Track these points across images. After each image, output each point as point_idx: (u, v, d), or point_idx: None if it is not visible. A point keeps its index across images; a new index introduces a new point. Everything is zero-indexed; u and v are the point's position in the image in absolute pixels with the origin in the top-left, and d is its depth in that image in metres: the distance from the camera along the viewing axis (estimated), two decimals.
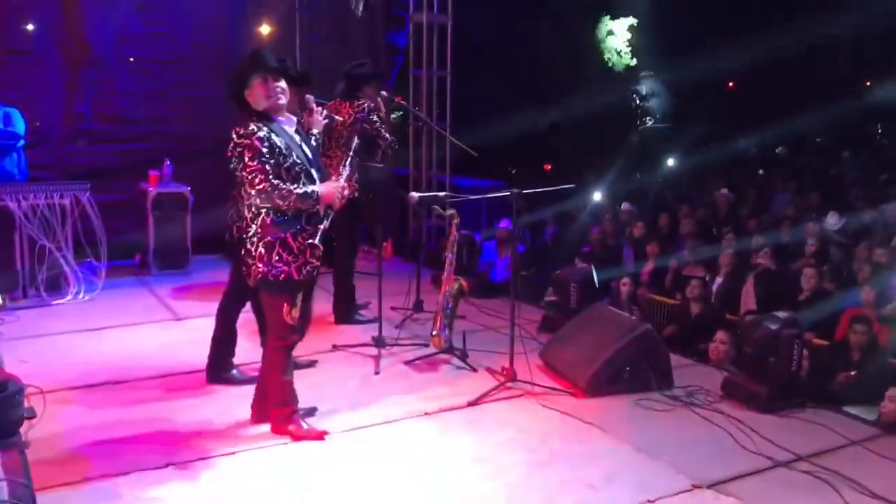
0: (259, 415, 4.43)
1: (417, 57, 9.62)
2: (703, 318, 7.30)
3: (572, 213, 11.46)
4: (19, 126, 7.17)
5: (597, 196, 12.45)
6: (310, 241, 4.09)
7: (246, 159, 3.97)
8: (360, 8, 9.14)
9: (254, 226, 4.09)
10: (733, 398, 4.97)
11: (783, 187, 13.04)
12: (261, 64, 4.13)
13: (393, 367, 5.48)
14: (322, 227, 4.14)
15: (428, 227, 9.67)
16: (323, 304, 6.66)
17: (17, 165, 7.20)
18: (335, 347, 5.82)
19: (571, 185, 6.34)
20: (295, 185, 4.01)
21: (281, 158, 4.02)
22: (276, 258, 4.05)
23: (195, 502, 3.69)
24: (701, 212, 11.20)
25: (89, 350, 5.78)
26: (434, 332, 5.60)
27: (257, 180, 3.95)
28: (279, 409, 4.29)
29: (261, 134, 3.99)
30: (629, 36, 19.30)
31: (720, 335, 6.29)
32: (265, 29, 9.43)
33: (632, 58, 19.34)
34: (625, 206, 11.54)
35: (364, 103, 6.15)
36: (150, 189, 8.10)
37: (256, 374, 4.54)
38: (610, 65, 19.22)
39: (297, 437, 4.25)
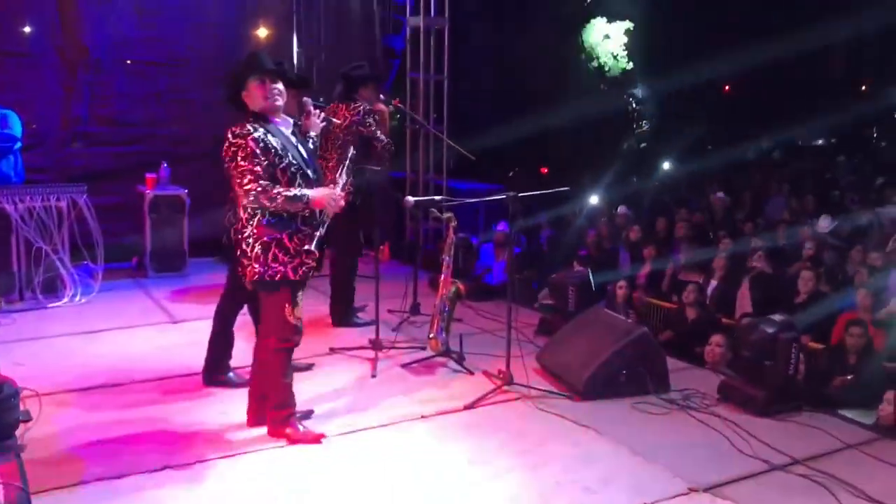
0: (255, 417, 4.43)
1: (414, 60, 9.64)
2: (700, 323, 7.30)
3: (568, 217, 11.48)
4: (16, 128, 7.16)
5: (593, 199, 12.46)
6: (306, 247, 4.10)
7: (238, 159, 3.97)
8: None
9: (249, 227, 4.10)
10: (730, 401, 4.98)
11: (778, 191, 13.07)
12: (258, 66, 4.14)
13: (390, 370, 5.48)
14: (318, 233, 4.15)
15: (425, 230, 9.68)
16: (320, 306, 6.68)
17: (14, 168, 7.18)
18: (332, 350, 5.82)
19: (567, 188, 6.34)
20: (286, 189, 4.00)
21: (276, 160, 4.02)
22: (272, 259, 4.06)
23: None
24: (697, 215, 11.22)
25: (86, 353, 5.77)
26: (431, 335, 5.60)
27: (245, 181, 3.95)
28: (277, 412, 4.29)
29: (256, 135, 3.99)
30: (625, 40, 19.32)
31: (716, 338, 6.30)
32: (262, 32, 9.44)
33: (628, 62, 19.37)
34: (621, 209, 11.56)
35: (360, 106, 6.15)
36: (147, 191, 8.09)
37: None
38: (606, 69, 19.25)
39: (293, 440, 4.25)
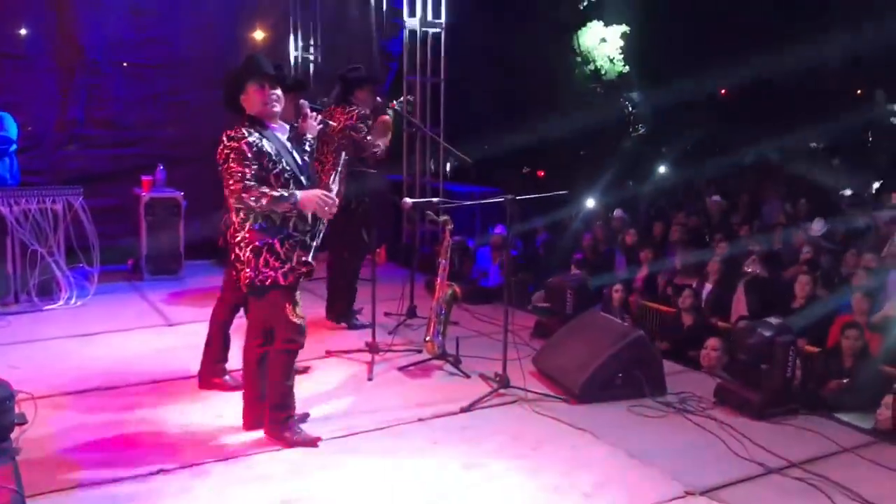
0: (251, 421, 4.42)
1: (411, 63, 9.65)
2: (695, 328, 7.30)
3: (564, 221, 11.49)
4: (11, 130, 7.15)
5: (589, 203, 12.49)
6: (304, 259, 4.10)
7: (230, 161, 3.97)
8: None
9: (241, 231, 4.10)
10: (726, 405, 4.98)
11: (774, 194, 13.09)
12: (258, 69, 4.13)
13: (386, 373, 5.48)
14: (315, 243, 4.15)
15: (422, 233, 9.68)
16: (316, 309, 6.67)
17: (10, 170, 7.17)
18: (328, 353, 5.81)
19: (566, 191, 6.35)
20: (273, 189, 3.99)
21: (270, 165, 4.02)
22: (264, 264, 4.06)
23: None
24: (693, 219, 11.24)
25: (81, 355, 5.75)
26: (427, 338, 5.60)
27: (232, 181, 3.95)
28: (275, 414, 4.28)
29: (250, 139, 4.00)
30: (621, 43, 19.38)
31: (712, 342, 6.32)
32: (259, 34, 9.44)
33: (624, 65, 19.43)
34: (617, 212, 11.57)
35: (355, 110, 6.15)
36: (143, 194, 8.08)
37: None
38: (603, 72, 19.30)
39: (290, 443, 4.24)
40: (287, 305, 4.12)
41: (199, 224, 7.85)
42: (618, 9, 18.63)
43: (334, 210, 4.17)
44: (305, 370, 5.39)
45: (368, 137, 6.14)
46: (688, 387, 5.28)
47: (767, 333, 4.90)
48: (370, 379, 5.35)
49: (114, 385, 5.14)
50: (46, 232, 6.92)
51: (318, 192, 4.09)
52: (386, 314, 6.64)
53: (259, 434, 4.34)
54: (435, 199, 6.49)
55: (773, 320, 5.14)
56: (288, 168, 4.09)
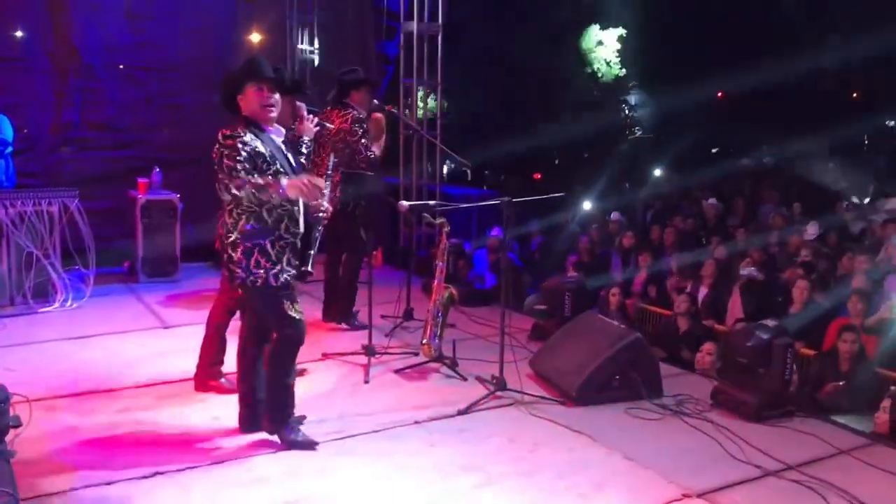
0: (247, 423, 4.41)
1: (408, 66, 9.65)
2: (691, 333, 7.29)
3: (560, 224, 11.49)
4: (7, 133, 7.14)
5: (586, 205, 12.49)
6: (303, 268, 4.11)
7: (224, 158, 3.97)
8: None
9: (234, 232, 4.10)
10: (723, 407, 4.98)
11: (770, 197, 13.12)
12: (258, 72, 4.14)
13: (383, 376, 5.47)
14: (312, 251, 4.15)
15: (418, 236, 9.68)
16: (313, 311, 6.66)
17: (5, 172, 7.17)
18: (325, 356, 5.80)
19: (562, 194, 6.36)
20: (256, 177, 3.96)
21: (265, 166, 4.03)
22: (255, 264, 4.07)
23: None
24: (689, 222, 11.25)
25: (76, 358, 5.73)
26: (424, 341, 5.59)
27: (221, 174, 3.96)
28: (275, 413, 4.27)
29: (245, 138, 4.00)
30: (618, 46, 19.42)
31: (707, 346, 6.33)
32: (255, 37, 9.43)
33: (621, 68, 19.46)
34: (614, 215, 11.58)
35: (350, 113, 6.16)
36: (139, 196, 8.06)
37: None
38: (599, 75, 19.33)
39: (289, 443, 4.23)
40: (284, 302, 4.12)
41: (196, 226, 7.85)
42: (615, 11, 18.68)
43: (321, 195, 4.10)
44: (302, 372, 5.36)
45: (364, 140, 6.14)
46: (684, 389, 5.29)
47: (765, 336, 4.91)
48: (367, 381, 5.34)
49: (109, 387, 5.12)
50: (42, 234, 6.91)
51: (303, 177, 4.02)
52: (382, 317, 6.64)
53: (256, 436, 4.34)
54: (432, 202, 6.49)
55: (770, 323, 5.15)
56: (282, 170, 4.09)
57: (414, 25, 9.49)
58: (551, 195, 6.08)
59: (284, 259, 4.11)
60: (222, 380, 5.06)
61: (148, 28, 8.85)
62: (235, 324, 5.06)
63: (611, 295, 8.05)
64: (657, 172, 17.33)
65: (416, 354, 5.74)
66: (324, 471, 4.05)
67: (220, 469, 4.04)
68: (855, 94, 20.30)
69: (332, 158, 5.14)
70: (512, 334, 5.54)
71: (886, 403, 4.97)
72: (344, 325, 6.47)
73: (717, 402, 5.04)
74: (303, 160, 4.42)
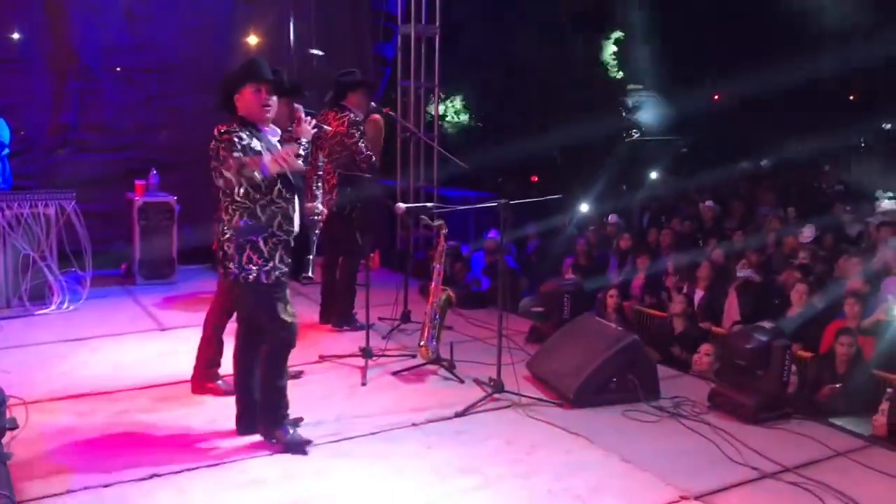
0: (244, 425, 4.40)
1: (405, 68, 9.65)
2: (686, 334, 7.29)
3: (557, 226, 11.48)
4: (4, 135, 7.13)
5: (583, 208, 12.49)
6: (304, 275, 4.13)
7: (220, 151, 4.00)
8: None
9: (229, 229, 4.12)
10: (720, 409, 4.98)
11: (767, 200, 13.14)
12: (257, 73, 4.15)
13: (380, 378, 5.47)
14: (311, 256, 4.16)
15: (415, 238, 9.67)
16: (311, 314, 6.67)
17: (2, 174, 7.16)
18: (322, 358, 5.80)
19: (560, 196, 6.36)
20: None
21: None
22: (247, 260, 4.08)
23: None
24: (686, 224, 11.26)
25: (73, 360, 5.73)
26: (421, 343, 5.59)
27: (215, 163, 4.00)
28: (269, 414, 4.27)
29: (242, 134, 4.03)
30: (615, 49, 19.45)
31: (705, 347, 6.32)
32: (253, 39, 9.43)
33: (618, 70, 19.48)
34: (611, 218, 11.58)
35: (347, 115, 6.16)
36: (136, 198, 8.06)
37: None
38: (615, 73, 19.36)
39: (283, 443, 4.23)
40: (277, 304, 4.13)
41: (193, 229, 7.84)
42: (618, 14, 18.74)
43: (297, 159, 4.03)
44: (299, 375, 5.37)
45: (360, 143, 6.13)
46: (682, 391, 5.29)
47: (763, 338, 4.91)
48: (364, 384, 5.34)
49: (106, 390, 5.12)
50: (39, 236, 6.89)
51: (279, 150, 4.01)
52: (380, 319, 6.63)
53: (253, 438, 4.33)
54: (429, 204, 6.49)
55: (767, 325, 5.15)
56: None
57: (411, 27, 9.50)
58: (548, 197, 6.07)
59: (276, 256, 4.13)
60: (219, 382, 5.05)
61: (147, 30, 8.85)
62: (233, 326, 5.04)
63: (608, 297, 8.06)
64: (653, 175, 17.35)
65: (414, 356, 5.74)
66: (321, 473, 4.04)
67: (218, 471, 4.03)
68: (852, 97, 20.38)
69: (321, 158, 5.14)
70: (509, 336, 5.54)
71: (884, 406, 4.97)
72: (345, 328, 6.46)
73: (714, 405, 5.04)
74: (301, 162, 4.41)
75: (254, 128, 4.13)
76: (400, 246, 9.72)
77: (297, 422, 4.49)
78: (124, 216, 8.27)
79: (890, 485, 4.10)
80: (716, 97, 21.23)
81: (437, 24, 9.51)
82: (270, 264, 4.11)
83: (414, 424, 4.68)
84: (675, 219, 11.55)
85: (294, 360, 5.30)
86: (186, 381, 5.10)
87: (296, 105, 4.73)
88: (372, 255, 8.34)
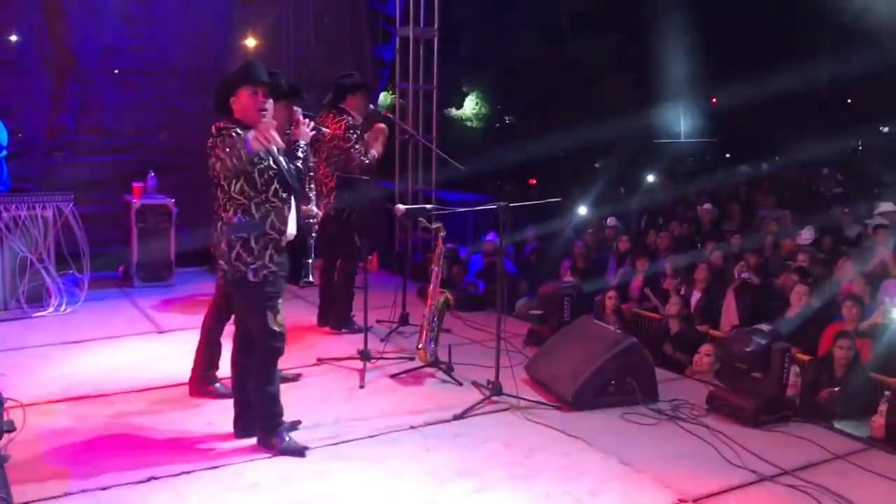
0: (242, 428, 4.40)
1: (404, 70, 9.66)
2: (681, 335, 7.29)
3: (555, 229, 11.48)
4: (2, 137, 7.12)
5: (582, 210, 12.50)
6: (304, 280, 4.12)
7: (218, 144, 4.00)
8: None
9: (224, 226, 4.12)
10: (719, 412, 4.98)
11: (766, 203, 13.15)
12: (253, 76, 4.15)
13: (378, 381, 5.46)
14: (310, 260, 4.16)
15: (414, 241, 9.67)
16: (309, 317, 6.66)
17: (0, 176, 7.13)
18: (320, 361, 5.79)
19: (559, 199, 6.35)
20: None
21: (256, 159, 4.03)
22: (236, 257, 4.09)
23: None
24: (685, 226, 11.27)
25: (71, 363, 5.71)
26: (420, 346, 5.58)
27: (212, 159, 4.01)
28: (263, 421, 4.27)
29: (239, 131, 4.03)
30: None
31: (706, 348, 6.32)
32: (251, 42, 9.43)
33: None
34: (611, 220, 11.58)
35: (344, 119, 6.16)
36: (134, 201, 8.04)
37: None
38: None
39: (279, 451, 4.22)
40: (267, 312, 4.13)
41: (191, 231, 7.83)
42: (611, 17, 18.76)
43: (272, 132, 3.97)
44: (297, 378, 5.37)
45: (357, 146, 6.13)
46: (680, 394, 5.29)
47: (763, 341, 4.91)
48: (362, 386, 5.33)
49: (104, 392, 5.11)
50: (37, 238, 6.88)
51: (259, 127, 3.97)
52: (378, 322, 6.62)
53: (250, 441, 4.33)
54: (428, 206, 6.49)
55: (765, 327, 5.15)
56: (273, 167, 4.11)
57: (410, 30, 9.50)
58: (548, 200, 6.06)
59: (266, 255, 4.11)
60: (217, 385, 5.04)
61: (144, 32, 8.84)
62: (230, 329, 5.04)
63: (607, 298, 8.05)
64: (650, 178, 17.38)
65: (412, 359, 5.73)
66: (319, 476, 4.04)
67: (216, 474, 4.02)
68: (849, 101, 20.43)
69: (311, 159, 5.13)
70: (507, 339, 5.54)
71: (883, 408, 4.97)
72: (344, 331, 6.46)
73: (712, 407, 5.04)
74: (299, 164, 4.42)
75: (250, 129, 4.12)
76: (398, 248, 9.72)
77: (294, 424, 4.49)
78: (122, 218, 8.26)
79: (888, 487, 4.10)
80: (713, 100, 21.29)
81: (436, 26, 9.51)
82: (259, 262, 4.10)
83: (412, 427, 4.68)
84: (674, 221, 11.55)
85: (292, 362, 5.34)
86: (184, 384, 5.10)
87: (294, 108, 4.73)
88: (370, 257, 8.34)
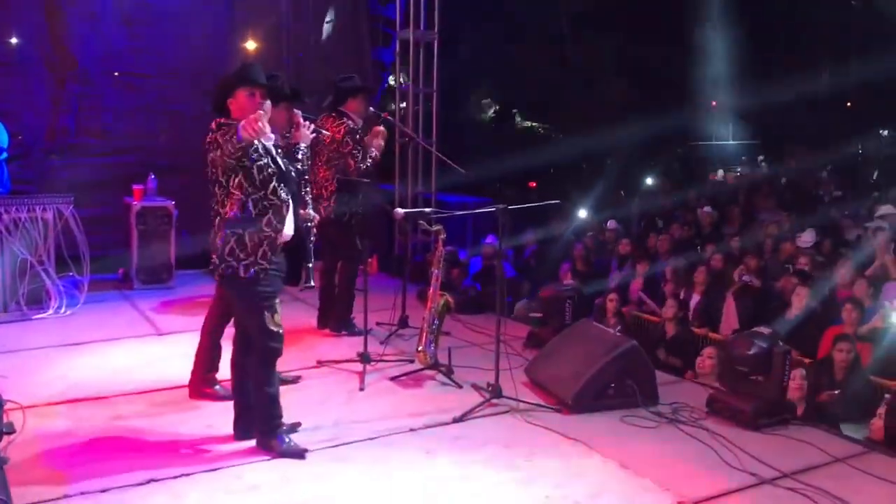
0: (241, 430, 4.40)
1: (404, 73, 9.66)
2: (676, 338, 7.28)
3: (554, 232, 11.48)
4: (2, 139, 7.13)
5: (582, 213, 12.50)
6: (305, 284, 4.12)
7: (217, 139, 4.00)
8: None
9: (219, 222, 4.13)
10: (718, 415, 4.98)
11: (766, 205, 13.14)
12: (251, 78, 4.16)
13: (378, 383, 5.46)
14: (310, 264, 4.16)
15: (413, 243, 9.67)
16: (309, 319, 6.66)
17: (0, 178, 7.14)
18: (320, 363, 5.79)
19: (558, 201, 6.36)
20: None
21: (255, 155, 4.04)
22: (229, 252, 4.08)
23: None
24: (685, 229, 11.26)
25: (70, 365, 5.71)
26: (419, 348, 5.58)
27: (212, 154, 4.02)
28: (262, 423, 4.27)
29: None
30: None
31: (708, 350, 6.31)
32: (251, 44, 9.44)
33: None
34: (611, 223, 11.58)
35: (344, 123, 6.16)
36: (134, 203, 8.05)
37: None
38: None
39: (278, 453, 4.22)
40: (264, 312, 4.12)
41: (191, 233, 7.84)
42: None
43: (263, 123, 3.90)
44: (297, 380, 5.37)
45: (355, 151, 6.13)
46: (680, 397, 5.28)
47: (764, 344, 4.91)
48: (362, 389, 5.33)
49: (103, 394, 5.10)
50: (37, 241, 6.88)
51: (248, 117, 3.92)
52: (378, 324, 6.62)
53: (250, 443, 4.32)
54: (427, 209, 6.49)
55: (765, 330, 5.15)
56: (272, 165, 4.12)
57: (410, 33, 9.51)
58: (547, 202, 6.07)
59: (259, 252, 4.10)
60: (217, 387, 5.04)
61: (145, 34, 8.86)
62: (230, 331, 5.04)
63: (608, 301, 8.04)
64: (648, 181, 17.41)
65: (412, 362, 5.73)
66: (319, 478, 4.03)
67: (215, 476, 4.02)
68: (849, 104, 20.46)
69: (302, 165, 5.13)
70: (507, 342, 5.54)
71: (882, 411, 4.97)
72: (344, 333, 6.46)
73: (712, 410, 5.04)
74: (299, 166, 4.42)
75: None
76: (398, 251, 9.71)
77: (294, 427, 4.49)
78: (122, 221, 8.26)
79: (888, 491, 4.10)
80: (714, 104, 21.31)
81: (436, 29, 9.52)
82: (251, 259, 4.08)
83: (412, 430, 4.68)
84: (674, 224, 11.55)
85: (292, 364, 5.33)
86: (184, 386, 5.09)
87: (295, 111, 4.73)
88: (370, 260, 8.33)
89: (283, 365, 4.44)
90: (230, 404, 4.53)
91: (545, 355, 5.69)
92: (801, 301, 7.14)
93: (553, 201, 6.24)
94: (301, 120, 4.65)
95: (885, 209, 9.69)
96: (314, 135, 4.81)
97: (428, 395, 5.33)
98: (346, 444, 4.44)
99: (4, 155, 7.18)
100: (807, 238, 9.50)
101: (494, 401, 5.07)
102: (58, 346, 6.15)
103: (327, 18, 9.68)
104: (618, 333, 5.74)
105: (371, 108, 6.53)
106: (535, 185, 17.72)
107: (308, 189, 5.70)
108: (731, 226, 11.81)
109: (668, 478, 4.12)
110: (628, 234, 11.30)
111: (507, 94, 17.62)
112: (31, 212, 6.87)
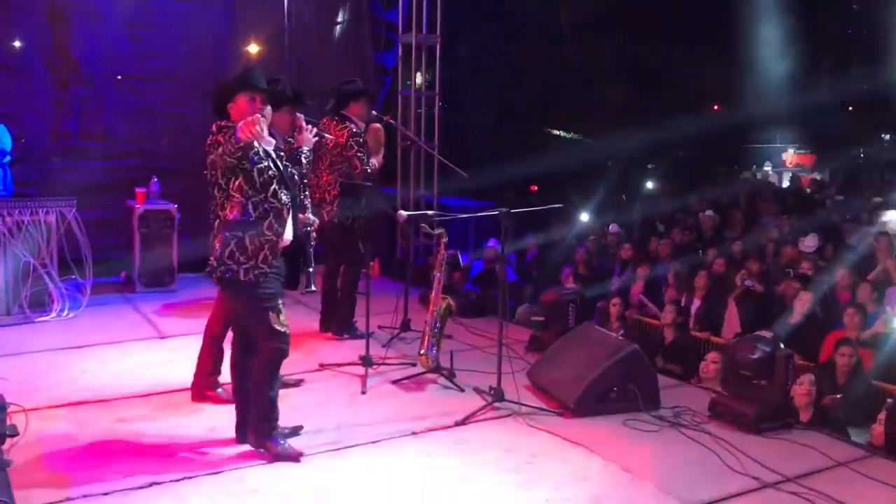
0: (244, 433, 4.39)
1: (406, 77, 9.67)
2: (675, 344, 7.28)
3: (556, 237, 11.47)
4: (5, 142, 7.13)
5: (583, 217, 12.50)
6: (307, 289, 4.13)
7: (220, 139, 4.01)
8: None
9: (219, 225, 4.13)
10: (721, 419, 4.97)
11: (768, 210, 13.13)
12: (252, 82, 4.16)
13: (380, 387, 5.46)
14: (311, 268, 4.17)
15: (415, 247, 9.67)
16: (311, 322, 6.66)
17: (3, 181, 7.16)
18: (322, 366, 5.79)
19: (560, 205, 6.36)
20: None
21: (256, 157, 4.04)
22: (228, 255, 4.07)
23: None
24: (686, 234, 11.26)
25: (73, 368, 5.72)
26: (421, 352, 5.58)
27: (213, 157, 4.01)
28: (259, 425, 4.26)
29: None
30: None
31: (712, 355, 6.30)
32: (253, 48, 9.46)
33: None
34: (612, 227, 11.58)
35: (347, 126, 6.17)
36: (137, 206, 8.06)
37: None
38: None
39: (273, 455, 4.22)
40: (269, 314, 4.11)
41: (193, 236, 7.84)
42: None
43: (261, 126, 3.91)
44: (299, 383, 5.37)
45: (360, 154, 6.14)
46: (682, 401, 5.28)
47: (768, 349, 4.91)
48: (364, 392, 5.33)
49: (106, 398, 5.11)
50: (39, 244, 6.89)
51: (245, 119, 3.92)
52: (380, 327, 6.63)
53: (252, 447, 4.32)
54: (430, 212, 6.49)
55: (766, 334, 5.15)
56: (272, 168, 4.12)
57: (412, 37, 9.53)
58: (549, 206, 6.08)
59: (260, 256, 4.09)
60: (219, 390, 5.04)
61: (147, 38, 8.88)
62: (232, 334, 5.06)
63: (611, 305, 8.04)
64: (649, 185, 17.41)
65: (414, 365, 5.73)
66: (320, 481, 4.03)
67: (217, 479, 4.02)
68: (850, 108, 20.47)
69: (302, 167, 5.15)
70: (509, 345, 5.53)
71: (882, 416, 4.96)
72: (346, 336, 6.46)
73: (714, 414, 5.04)
74: (302, 170, 4.43)
75: None
76: (400, 254, 9.71)
77: (296, 430, 4.49)
78: (125, 224, 8.27)
79: (890, 495, 4.09)
80: (715, 107, 21.32)
81: (438, 33, 9.53)
82: (251, 262, 4.07)
83: (414, 433, 4.68)
84: (675, 229, 11.55)
85: (294, 368, 5.34)
86: (186, 389, 5.10)
87: (297, 114, 4.74)
88: (372, 263, 8.34)
89: (285, 368, 4.44)
90: (232, 407, 4.53)
91: (547, 359, 5.69)
92: (803, 305, 7.13)
93: (555, 205, 6.24)
94: (304, 123, 4.66)
95: (889, 214, 9.68)
96: (317, 138, 4.80)
97: (430, 398, 5.33)
98: (348, 447, 4.44)
99: (7, 158, 7.19)
100: (810, 242, 9.50)
101: (496, 404, 5.07)
102: (60, 349, 6.15)
103: (339, 18, 9.69)
104: (621, 338, 5.74)
105: (373, 112, 6.54)
106: (535, 188, 17.72)
107: (307, 193, 5.71)
108: (733, 230, 11.80)
109: (670, 482, 4.11)
110: (630, 238, 11.30)
111: (507, 94, 17.62)
112: (33, 215, 6.88)
